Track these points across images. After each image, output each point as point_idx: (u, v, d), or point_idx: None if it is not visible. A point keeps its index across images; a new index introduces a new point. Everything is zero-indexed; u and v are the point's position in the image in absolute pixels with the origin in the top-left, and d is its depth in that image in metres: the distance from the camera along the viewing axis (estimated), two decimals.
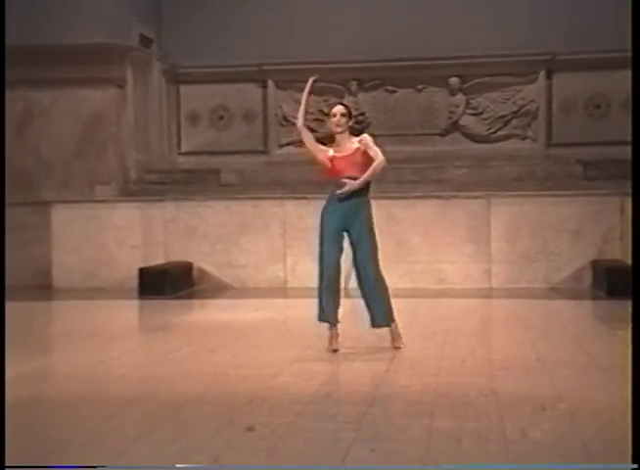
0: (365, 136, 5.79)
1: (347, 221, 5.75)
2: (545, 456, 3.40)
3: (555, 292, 9.56)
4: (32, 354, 5.87)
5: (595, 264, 9.66)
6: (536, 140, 11.57)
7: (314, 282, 10.39)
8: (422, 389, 4.61)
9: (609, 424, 3.85)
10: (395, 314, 5.87)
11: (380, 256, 5.91)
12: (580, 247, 9.87)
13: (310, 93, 5.99)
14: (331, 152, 5.81)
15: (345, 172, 5.72)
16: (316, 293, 5.86)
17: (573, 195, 10.00)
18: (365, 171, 5.69)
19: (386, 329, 5.87)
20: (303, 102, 5.97)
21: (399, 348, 5.82)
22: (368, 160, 5.70)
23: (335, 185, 5.76)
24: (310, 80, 5.99)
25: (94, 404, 4.39)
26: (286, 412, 4.12)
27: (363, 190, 5.78)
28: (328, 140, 12.47)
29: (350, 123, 5.80)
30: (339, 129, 5.77)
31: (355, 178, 5.69)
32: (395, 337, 5.87)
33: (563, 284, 9.83)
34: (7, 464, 3.21)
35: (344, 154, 5.74)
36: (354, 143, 5.77)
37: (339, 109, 5.81)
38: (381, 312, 5.81)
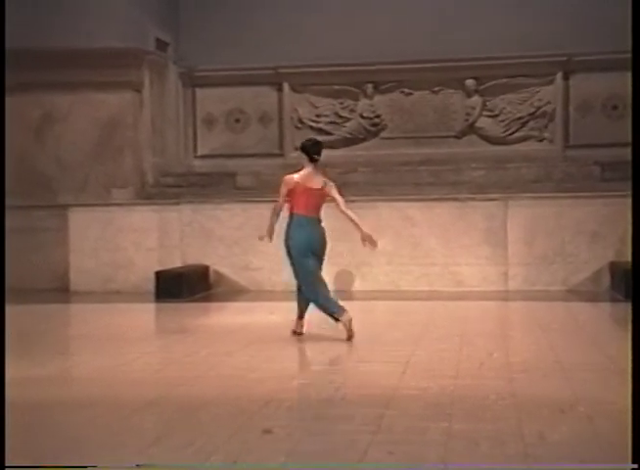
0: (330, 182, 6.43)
1: (318, 245, 6.40)
2: (564, 459, 3.38)
3: (573, 294, 9.50)
4: (51, 357, 5.90)
5: (613, 266, 9.60)
6: (553, 142, 11.52)
7: (330, 285, 10.41)
8: (439, 391, 4.59)
9: (627, 426, 3.81)
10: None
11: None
12: (598, 249, 9.81)
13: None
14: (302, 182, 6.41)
15: (314, 206, 6.37)
16: (320, 302, 6.40)
17: (591, 196, 9.94)
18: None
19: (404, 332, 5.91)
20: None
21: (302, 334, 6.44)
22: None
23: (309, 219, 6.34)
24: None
25: (112, 407, 4.40)
26: (303, 415, 4.12)
27: (320, 220, 6.44)
28: (342, 144, 12.49)
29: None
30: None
31: (318, 215, 6.41)
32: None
33: (581, 286, 9.77)
34: (21, 464, 3.24)
35: (315, 186, 6.39)
36: (320, 181, 6.43)
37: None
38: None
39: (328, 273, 10.19)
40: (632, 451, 2.90)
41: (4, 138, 8.72)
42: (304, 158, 6.48)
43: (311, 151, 6.42)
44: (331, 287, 10.09)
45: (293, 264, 6.41)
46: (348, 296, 9.41)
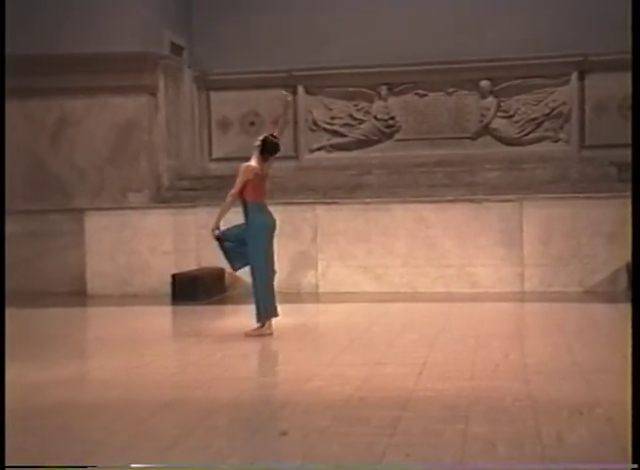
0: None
1: (273, 226, 6.95)
2: (582, 461, 3.36)
3: (590, 295, 9.45)
4: (68, 360, 5.93)
5: (630, 267, 9.54)
6: (569, 142, 11.46)
7: (345, 287, 10.39)
8: (456, 393, 4.58)
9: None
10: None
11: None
12: (615, 249, 9.74)
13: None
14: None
15: (264, 192, 6.91)
16: (262, 291, 6.68)
17: (607, 197, 9.88)
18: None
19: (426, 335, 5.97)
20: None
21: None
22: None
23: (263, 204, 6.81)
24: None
25: (129, 409, 4.42)
26: (319, 417, 4.12)
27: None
28: (356, 146, 12.47)
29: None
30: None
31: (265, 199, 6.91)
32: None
33: (598, 287, 9.71)
34: (28, 464, 3.26)
35: (264, 173, 6.84)
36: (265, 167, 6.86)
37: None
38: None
39: (342, 275, 10.27)
40: (632, 451, 2.89)
41: (4, 142, 8.74)
42: (257, 147, 6.75)
43: (268, 149, 6.75)
44: (345, 289, 10.22)
45: (245, 244, 6.74)
46: (363, 298, 9.41)
